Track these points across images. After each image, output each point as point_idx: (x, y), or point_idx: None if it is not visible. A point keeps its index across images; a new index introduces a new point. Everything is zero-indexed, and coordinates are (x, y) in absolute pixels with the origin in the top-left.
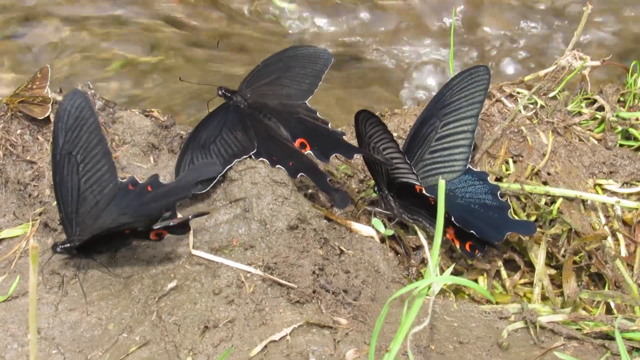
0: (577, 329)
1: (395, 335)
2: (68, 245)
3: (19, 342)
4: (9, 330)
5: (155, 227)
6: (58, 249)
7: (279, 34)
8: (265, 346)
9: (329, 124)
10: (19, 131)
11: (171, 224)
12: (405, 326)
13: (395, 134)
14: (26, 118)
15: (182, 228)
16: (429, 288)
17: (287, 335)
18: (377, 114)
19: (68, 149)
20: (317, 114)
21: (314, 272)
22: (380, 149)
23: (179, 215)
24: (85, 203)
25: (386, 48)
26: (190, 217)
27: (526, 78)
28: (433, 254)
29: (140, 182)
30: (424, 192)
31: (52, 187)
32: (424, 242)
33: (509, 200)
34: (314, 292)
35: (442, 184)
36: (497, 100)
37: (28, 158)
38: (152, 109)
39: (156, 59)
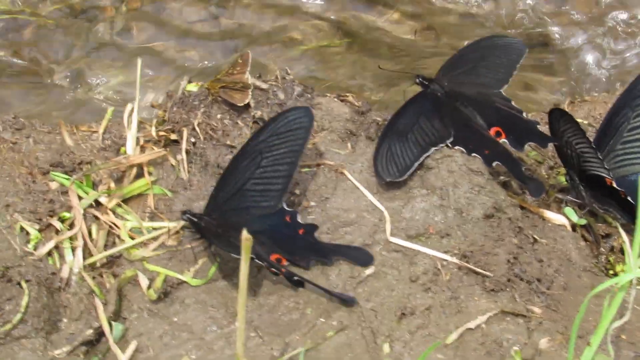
0: None
1: (587, 324)
2: (195, 219)
3: (218, 325)
4: (209, 312)
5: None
6: (184, 217)
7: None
8: (461, 334)
9: (524, 113)
10: (219, 116)
11: (283, 271)
12: (606, 320)
13: (585, 122)
14: (226, 103)
15: (292, 281)
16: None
17: (482, 323)
18: (567, 102)
19: (261, 148)
20: (512, 102)
21: (508, 261)
22: (572, 143)
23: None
24: (238, 200)
25: (570, 31)
26: (296, 279)
27: None
28: (634, 249)
29: (299, 221)
30: (614, 185)
31: None
32: (623, 234)
33: None
34: (508, 280)
35: None
36: None
37: (228, 142)
38: (347, 94)
39: (344, 43)
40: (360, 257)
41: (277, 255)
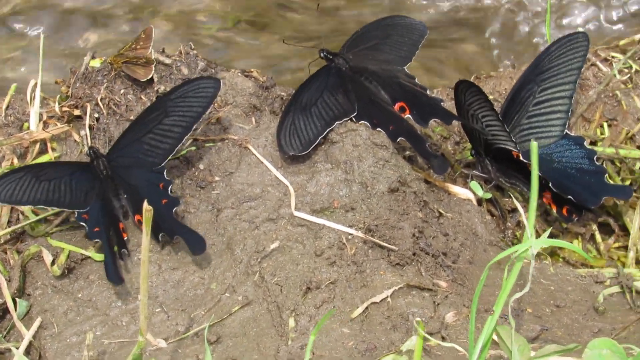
0: None
1: (493, 298)
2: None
3: (123, 300)
4: (114, 288)
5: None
6: (89, 151)
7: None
8: (366, 308)
9: (427, 90)
10: (122, 91)
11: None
12: (506, 290)
13: (491, 97)
14: (129, 78)
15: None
16: (527, 251)
17: (387, 297)
18: (473, 76)
19: (167, 106)
20: (416, 79)
21: (414, 235)
22: (479, 116)
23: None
24: (134, 148)
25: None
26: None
27: (621, 42)
28: (530, 218)
29: (169, 193)
30: (521, 158)
31: None
32: (519, 206)
33: (604, 165)
34: (413, 254)
35: (534, 146)
36: (592, 64)
37: (131, 117)
38: (252, 70)
39: (251, 19)
40: (195, 243)
41: (140, 218)
